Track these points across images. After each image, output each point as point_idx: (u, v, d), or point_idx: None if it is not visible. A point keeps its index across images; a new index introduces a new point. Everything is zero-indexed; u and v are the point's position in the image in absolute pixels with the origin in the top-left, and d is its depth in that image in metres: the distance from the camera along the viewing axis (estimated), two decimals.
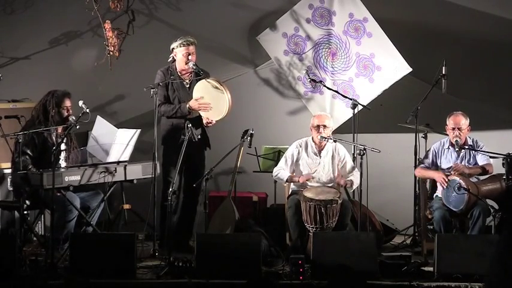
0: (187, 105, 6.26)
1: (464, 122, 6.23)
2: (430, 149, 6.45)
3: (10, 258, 5.36)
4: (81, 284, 5.30)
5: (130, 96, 7.45)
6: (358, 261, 5.47)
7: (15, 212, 6.20)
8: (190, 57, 6.30)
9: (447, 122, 6.31)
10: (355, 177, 6.27)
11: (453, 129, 6.24)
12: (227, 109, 6.21)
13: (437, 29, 7.32)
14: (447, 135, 6.38)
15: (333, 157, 6.41)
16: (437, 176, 6.19)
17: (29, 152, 5.97)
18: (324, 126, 6.34)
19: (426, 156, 6.43)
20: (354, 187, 6.31)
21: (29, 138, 5.97)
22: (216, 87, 6.24)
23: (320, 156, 6.40)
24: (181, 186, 6.41)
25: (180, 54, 6.34)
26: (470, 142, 6.31)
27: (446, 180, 6.07)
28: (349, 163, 6.44)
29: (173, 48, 6.37)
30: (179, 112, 6.29)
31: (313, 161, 6.40)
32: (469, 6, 7.26)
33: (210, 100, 6.24)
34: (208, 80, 6.27)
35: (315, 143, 6.43)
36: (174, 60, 6.41)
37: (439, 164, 6.34)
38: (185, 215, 6.48)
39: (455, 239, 5.79)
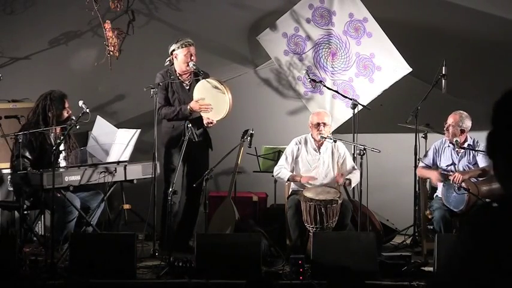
0: (188, 107, 6.24)
1: (460, 122, 6.20)
2: (431, 146, 6.44)
3: (10, 258, 5.35)
4: (81, 284, 5.30)
5: (131, 96, 7.45)
6: (358, 261, 5.46)
7: (15, 212, 6.20)
8: (192, 57, 6.29)
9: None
10: (354, 176, 6.27)
11: (448, 127, 6.24)
12: (228, 109, 6.17)
13: (437, 29, 7.32)
14: None
15: (332, 153, 6.41)
16: (433, 176, 6.20)
17: (27, 154, 5.93)
18: (324, 124, 6.33)
19: (426, 154, 6.42)
20: (353, 185, 6.30)
21: (27, 141, 5.91)
22: (217, 87, 6.21)
23: (319, 153, 6.40)
24: (183, 187, 6.39)
25: (182, 55, 6.29)
26: (470, 142, 6.30)
27: (442, 180, 6.09)
28: (349, 160, 6.43)
29: (173, 50, 6.32)
30: (180, 114, 6.26)
31: (313, 158, 6.39)
32: (469, 6, 7.27)
33: (211, 100, 6.20)
34: (208, 80, 6.25)
35: (314, 140, 6.42)
36: (172, 63, 6.37)
37: (438, 162, 6.34)
38: (187, 216, 6.47)
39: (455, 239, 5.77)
